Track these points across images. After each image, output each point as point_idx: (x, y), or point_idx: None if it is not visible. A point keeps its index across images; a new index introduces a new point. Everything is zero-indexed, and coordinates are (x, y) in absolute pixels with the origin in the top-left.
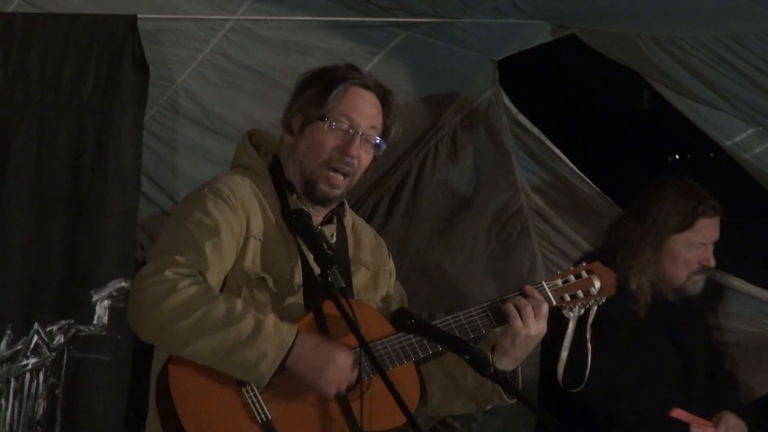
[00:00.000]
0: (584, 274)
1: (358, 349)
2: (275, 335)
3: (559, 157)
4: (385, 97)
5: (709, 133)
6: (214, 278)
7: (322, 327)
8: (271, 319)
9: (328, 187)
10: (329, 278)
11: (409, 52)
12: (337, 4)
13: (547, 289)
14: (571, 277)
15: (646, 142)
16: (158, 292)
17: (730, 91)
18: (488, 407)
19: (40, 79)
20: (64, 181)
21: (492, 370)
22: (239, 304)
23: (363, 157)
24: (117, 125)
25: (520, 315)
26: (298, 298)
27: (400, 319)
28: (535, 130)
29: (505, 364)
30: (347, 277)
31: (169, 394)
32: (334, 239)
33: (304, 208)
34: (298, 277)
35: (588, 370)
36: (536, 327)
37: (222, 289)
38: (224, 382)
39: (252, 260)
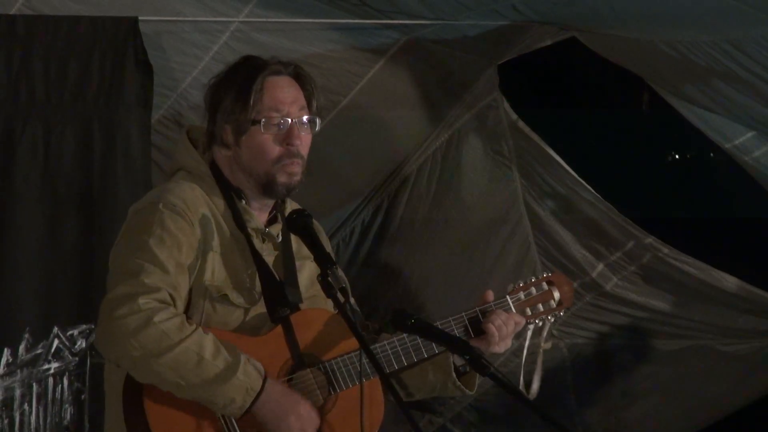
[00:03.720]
0: (545, 285)
1: (323, 365)
2: (244, 382)
3: (559, 163)
4: (296, 73)
5: (709, 135)
6: (182, 297)
7: (290, 338)
8: (241, 363)
9: (288, 176)
10: (329, 279)
11: (410, 58)
12: (336, 8)
13: (511, 304)
14: (533, 290)
15: (646, 142)
16: (130, 324)
17: (728, 96)
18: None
19: (44, 81)
20: (73, 184)
21: (492, 370)
22: (210, 344)
23: (304, 138)
24: (124, 127)
25: (499, 334)
26: (261, 307)
27: (399, 320)
28: (535, 136)
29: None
30: (293, 278)
31: (142, 408)
32: (280, 238)
33: (252, 213)
34: (258, 286)
35: (538, 384)
36: (507, 345)
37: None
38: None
39: (212, 274)
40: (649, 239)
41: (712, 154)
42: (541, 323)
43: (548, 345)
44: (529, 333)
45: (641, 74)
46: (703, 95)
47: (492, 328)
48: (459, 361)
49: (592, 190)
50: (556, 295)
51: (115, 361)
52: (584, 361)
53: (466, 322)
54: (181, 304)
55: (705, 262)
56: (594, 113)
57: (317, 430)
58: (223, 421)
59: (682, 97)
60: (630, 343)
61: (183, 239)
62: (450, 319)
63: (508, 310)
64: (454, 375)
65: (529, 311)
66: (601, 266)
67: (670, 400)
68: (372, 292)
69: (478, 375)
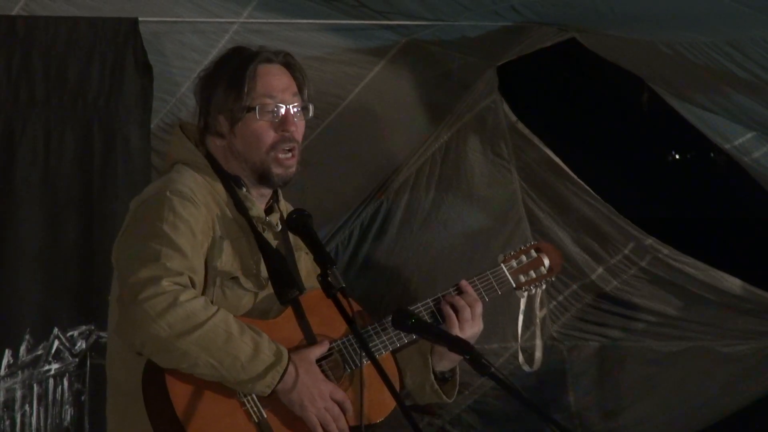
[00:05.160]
0: (533, 253)
1: (337, 343)
2: (270, 358)
3: (558, 164)
4: (287, 61)
5: (709, 136)
6: (200, 281)
7: (301, 319)
8: (266, 340)
9: (283, 169)
10: (329, 278)
11: (410, 59)
12: (334, 10)
13: (506, 272)
14: (523, 257)
15: (646, 142)
16: (157, 305)
17: (728, 97)
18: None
19: (44, 81)
20: (74, 185)
21: (492, 370)
22: (235, 322)
23: (299, 125)
24: (123, 127)
25: (458, 318)
26: (269, 291)
27: (400, 319)
28: (534, 138)
29: (443, 365)
30: (294, 267)
31: (167, 395)
32: (279, 228)
33: (253, 200)
34: (264, 271)
35: (541, 353)
36: (473, 329)
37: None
38: (221, 383)
39: (221, 259)
40: (649, 240)
41: (712, 154)
42: (534, 290)
43: (543, 313)
44: (523, 303)
45: (641, 75)
46: (702, 96)
47: (448, 311)
48: (445, 366)
49: (592, 192)
50: (546, 261)
51: (140, 344)
52: (584, 362)
53: (434, 308)
54: (200, 289)
55: (705, 262)
56: (594, 113)
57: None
58: (248, 403)
59: (681, 97)
60: (630, 344)
61: (195, 224)
62: (419, 305)
63: (504, 277)
64: (432, 378)
65: (522, 278)
66: (601, 268)
67: (670, 401)
68: (371, 293)
69: (458, 387)
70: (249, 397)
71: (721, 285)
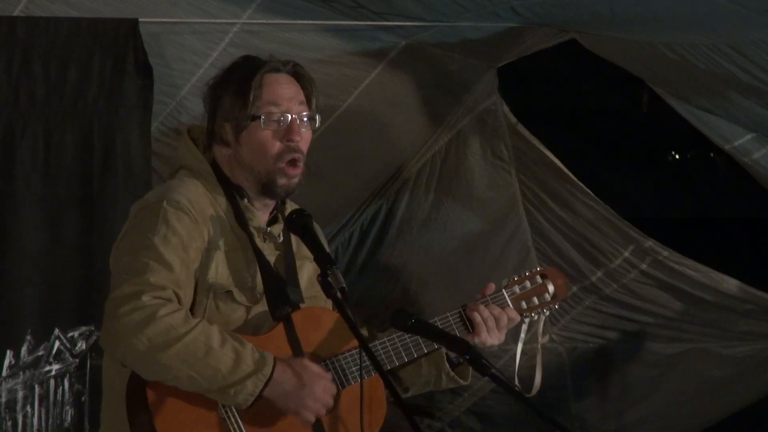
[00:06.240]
0: (539, 279)
1: (326, 362)
2: (253, 366)
3: (558, 166)
4: (296, 71)
5: (709, 136)
6: (187, 295)
7: (292, 337)
8: (249, 349)
9: (287, 179)
10: (329, 278)
11: (409, 62)
12: (333, 12)
13: (507, 298)
14: (527, 283)
15: (646, 142)
16: (135, 320)
17: (728, 98)
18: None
19: (44, 82)
20: (74, 186)
21: (492, 371)
22: (217, 334)
23: (304, 135)
24: (124, 129)
25: (486, 327)
26: (263, 306)
27: (399, 320)
28: (534, 140)
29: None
30: (294, 278)
31: (147, 408)
32: (281, 238)
33: (255, 211)
34: (259, 285)
35: (540, 378)
36: (499, 338)
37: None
38: (201, 397)
39: (216, 272)
40: (649, 242)
41: (712, 154)
42: (536, 317)
43: (545, 339)
44: (524, 329)
45: (641, 76)
46: (702, 98)
47: (477, 317)
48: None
49: (592, 194)
50: (551, 288)
51: (122, 358)
52: (584, 364)
53: (464, 316)
54: (186, 303)
55: (705, 262)
56: (594, 113)
57: (320, 426)
58: (227, 418)
59: (681, 98)
60: (630, 346)
61: (187, 237)
62: (448, 314)
63: (504, 304)
64: (447, 366)
65: (524, 305)
66: (601, 270)
67: (670, 402)
68: (371, 295)
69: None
70: (228, 411)
71: (721, 287)
